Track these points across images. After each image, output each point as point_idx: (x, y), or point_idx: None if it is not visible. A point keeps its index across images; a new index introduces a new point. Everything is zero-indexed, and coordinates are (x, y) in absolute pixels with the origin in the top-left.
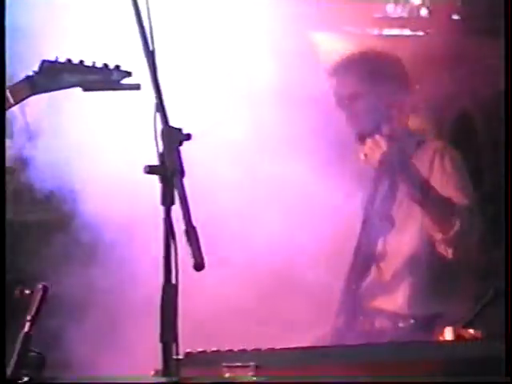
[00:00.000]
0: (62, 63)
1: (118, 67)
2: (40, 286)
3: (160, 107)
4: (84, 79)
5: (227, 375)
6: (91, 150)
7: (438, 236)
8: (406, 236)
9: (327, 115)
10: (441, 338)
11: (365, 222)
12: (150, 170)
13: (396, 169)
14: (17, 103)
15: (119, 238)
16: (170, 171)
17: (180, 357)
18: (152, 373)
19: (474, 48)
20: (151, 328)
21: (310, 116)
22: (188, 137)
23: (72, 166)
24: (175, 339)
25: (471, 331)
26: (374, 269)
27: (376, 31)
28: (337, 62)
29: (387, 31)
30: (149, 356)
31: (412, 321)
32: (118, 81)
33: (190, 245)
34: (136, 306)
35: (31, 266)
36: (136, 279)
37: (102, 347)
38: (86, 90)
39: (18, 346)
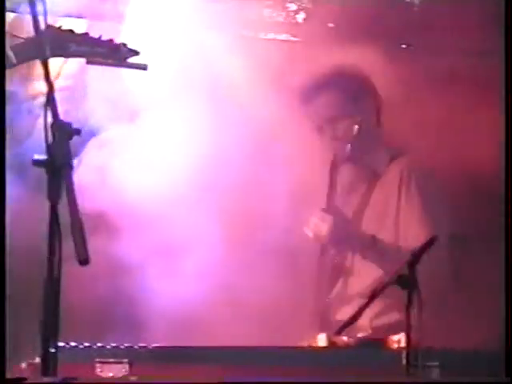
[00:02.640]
0: (67, 31)
1: (124, 45)
2: None
3: (51, 100)
4: (92, 51)
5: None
6: None
7: None
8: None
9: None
10: (313, 345)
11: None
12: (38, 162)
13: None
14: (19, 63)
15: None
16: (58, 164)
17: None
18: None
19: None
20: None
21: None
22: (77, 132)
23: None
24: (55, 334)
25: (344, 338)
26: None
27: (251, 34)
28: (309, 85)
29: (262, 35)
30: None
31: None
32: (125, 58)
33: (74, 239)
34: None
35: None
36: None
37: None
38: (90, 62)
39: None
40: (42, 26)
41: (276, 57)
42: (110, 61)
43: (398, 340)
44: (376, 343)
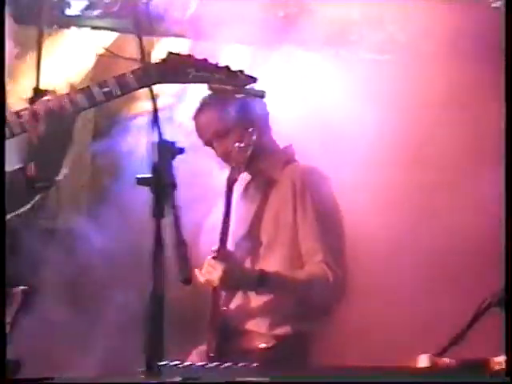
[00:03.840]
0: (187, 56)
1: (241, 71)
2: (18, 290)
3: (155, 120)
4: (211, 77)
5: None
6: None
7: None
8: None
9: None
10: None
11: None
12: (142, 181)
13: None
14: (141, 88)
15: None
16: (162, 183)
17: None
18: None
19: None
20: None
21: None
22: (181, 151)
23: None
24: (160, 353)
25: (445, 359)
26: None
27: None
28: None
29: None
30: None
31: (274, 342)
32: (244, 85)
33: (178, 259)
34: None
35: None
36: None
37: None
38: (211, 89)
39: None
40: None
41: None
42: (228, 87)
43: (500, 362)
44: (478, 365)
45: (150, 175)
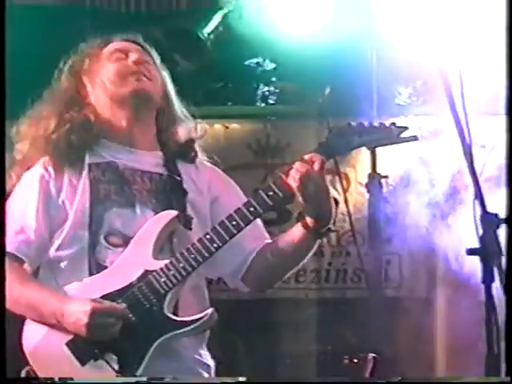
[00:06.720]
0: (350, 126)
1: (393, 124)
2: (370, 357)
3: (478, 194)
4: (371, 139)
5: None
6: None
7: None
8: None
9: None
10: None
11: None
12: (471, 251)
13: None
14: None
15: None
16: (489, 252)
17: None
18: None
19: None
20: None
21: None
22: (505, 221)
23: None
24: None
25: None
26: None
27: None
28: None
29: None
30: None
31: None
32: (398, 135)
33: None
34: None
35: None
36: None
37: None
38: (369, 148)
39: None
40: None
41: None
42: (385, 142)
43: None
44: None
45: (477, 246)
